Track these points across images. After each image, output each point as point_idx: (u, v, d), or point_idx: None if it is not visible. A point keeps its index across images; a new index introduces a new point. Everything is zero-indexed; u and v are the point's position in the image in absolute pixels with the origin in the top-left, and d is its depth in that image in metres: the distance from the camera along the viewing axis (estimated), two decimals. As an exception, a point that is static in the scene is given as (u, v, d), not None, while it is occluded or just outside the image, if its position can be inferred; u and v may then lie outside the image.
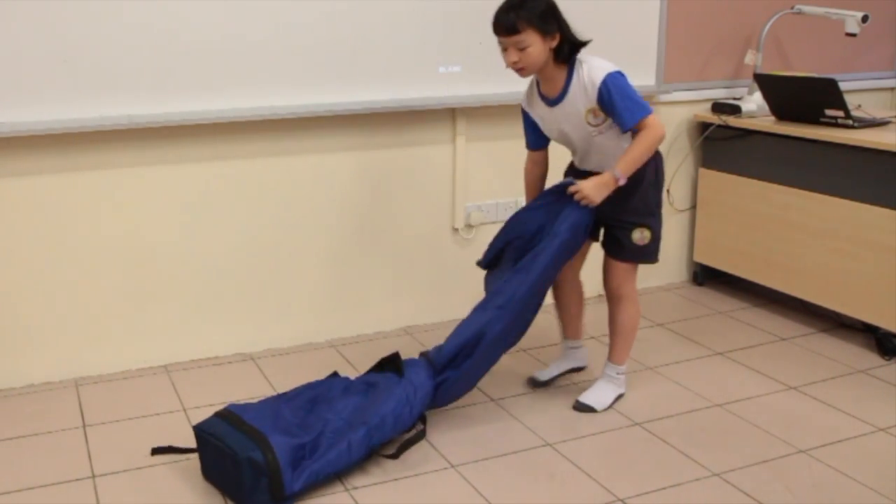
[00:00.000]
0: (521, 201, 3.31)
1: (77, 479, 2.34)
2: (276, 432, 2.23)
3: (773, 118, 3.54)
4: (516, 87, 3.38)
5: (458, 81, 3.24)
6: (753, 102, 3.63)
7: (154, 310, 3.05)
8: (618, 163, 2.48)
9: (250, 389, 2.88)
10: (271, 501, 2.14)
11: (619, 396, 2.80)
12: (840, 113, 3.27)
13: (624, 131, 2.50)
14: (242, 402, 2.42)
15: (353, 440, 2.30)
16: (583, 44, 2.51)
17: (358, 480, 2.33)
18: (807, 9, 3.69)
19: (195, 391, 2.88)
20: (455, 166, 3.39)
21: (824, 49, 4.05)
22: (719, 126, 3.66)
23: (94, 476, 2.36)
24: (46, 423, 2.66)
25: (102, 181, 2.89)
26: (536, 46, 2.44)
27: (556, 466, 2.41)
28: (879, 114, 3.59)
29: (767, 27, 3.74)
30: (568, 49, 2.49)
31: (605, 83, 2.45)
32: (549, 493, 2.29)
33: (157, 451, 2.45)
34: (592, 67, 2.49)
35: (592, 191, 2.48)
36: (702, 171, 3.79)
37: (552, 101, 2.58)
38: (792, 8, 3.73)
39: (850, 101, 3.34)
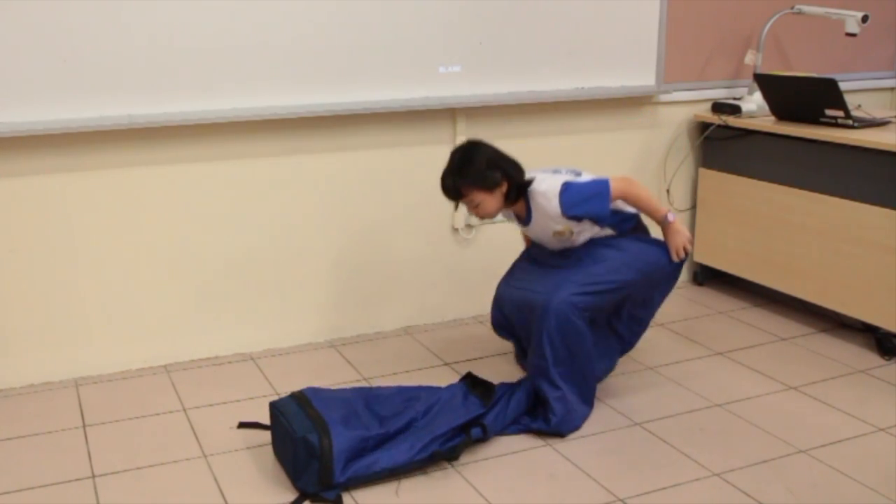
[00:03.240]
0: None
1: (77, 479, 2.34)
2: (339, 422, 2.31)
3: (773, 118, 3.54)
4: (516, 87, 3.39)
5: (458, 81, 3.24)
6: (753, 102, 3.63)
7: (154, 310, 3.05)
8: (649, 214, 2.65)
9: (250, 389, 2.88)
10: (318, 485, 2.22)
11: None
12: (840, 113, 3.27)
13: (603, 225, 2.62)
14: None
15: (417, 443, 2.35)
16: (528, 183, 2.58)
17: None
18: (807, 9, 3.69)
19: (195, 391, 2.88)
20: (455, 166, 3.39)
21: (824, 49, 4.05)
22: (719, 126, 3.66)
23: (94, 476, 2.36)
24: (46, 423, 2.66)
25: (102, 181, 2.89)
26: (486, 201, 2.56)
27: (556, 466, 2.41)
28: (879, 114, 3.60)
29: (767, 27, 3.74)
30: (516, 191, 2.58)
31: (567, 209, 2.53)
32: (549, 493, 2.29)
33: (242, 425, 2.58)
34: (546, 197, 2.55)
35: (685, 237, 2.66)
36: (702, 171, 3.79)
37: (523, 222, 2.70)
38: (792, 8, 3.73)
39: (850, 101, 3.34)
